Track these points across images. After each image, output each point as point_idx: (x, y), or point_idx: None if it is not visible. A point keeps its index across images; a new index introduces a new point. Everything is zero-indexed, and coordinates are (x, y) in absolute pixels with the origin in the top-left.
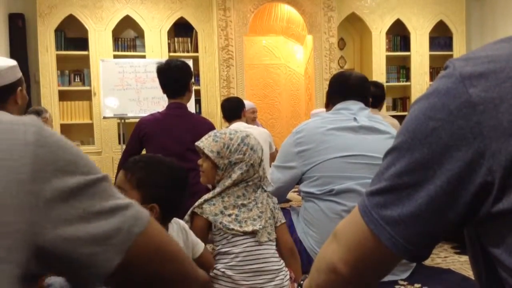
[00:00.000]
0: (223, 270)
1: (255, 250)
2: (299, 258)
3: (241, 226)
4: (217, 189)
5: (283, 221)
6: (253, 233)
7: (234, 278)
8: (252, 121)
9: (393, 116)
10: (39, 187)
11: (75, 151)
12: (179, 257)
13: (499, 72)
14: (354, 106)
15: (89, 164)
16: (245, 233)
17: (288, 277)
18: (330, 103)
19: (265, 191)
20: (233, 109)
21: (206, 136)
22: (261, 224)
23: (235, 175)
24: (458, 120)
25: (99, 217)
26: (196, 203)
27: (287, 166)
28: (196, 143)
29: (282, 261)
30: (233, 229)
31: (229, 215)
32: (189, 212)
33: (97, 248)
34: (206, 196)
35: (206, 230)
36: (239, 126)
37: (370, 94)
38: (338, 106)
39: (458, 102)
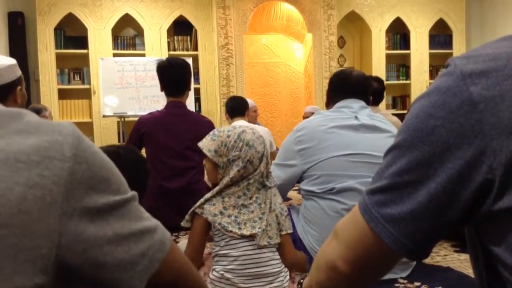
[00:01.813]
0: (222, 272)
1: (254, 254)
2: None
3: (240, 228)
4: (217, 188)
5: (289, 231)
6: (252, 237)
7: (233, 281)
8: (254, 119)
9: (393, 115)
10: (71, 207)
11: (109, 167)
12: (194, 276)
13: (500, 70)
14: (355, 104)
15: (119, 182)
16: (243, 237)
17: (287, 277)
18: (330, 101)
19: (269, 187)
20: (237, 106)
21: (207, 135)
22: (260, 226)
23: (232, 172)
24: (459, 118)
25: (128, 240)
26: (197, 203)
27: (288, 164)
28: (198, 143)
29: (282, 263)
30: (231, 231)
31: (229, 216)
32: (190, 211)
33: (123, 275)
34: (206, 196)
35: (206, 230)
36: (240, 124)
37: (371, 92)
38: (339, 104)
39: (459, 100)
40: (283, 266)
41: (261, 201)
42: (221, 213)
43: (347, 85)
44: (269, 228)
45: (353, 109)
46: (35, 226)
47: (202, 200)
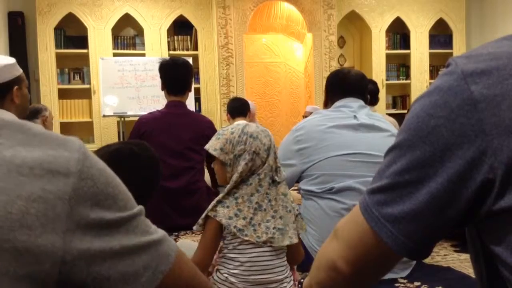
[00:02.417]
0: (226, 275)
1: (262, 261)
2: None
3: (255, 230)
4: (228, 186)
5: (301, 231)
6: (268, 242)
7: (237, 286)
8: (252, 120)
9: (393, 114)
10: (75, 223)
11: (115, 183)
12: (202, 285)
13: (501, 69)
14: (354, 103)
15: (126, 198)
16: (258, 242)
17: (291, 283)
18: (329, 101)
19: (279, 182)
20: (239, 107)
21: (213, 136)
22: (275, 226)
23: (240, 167)
24: (459, 117)
25: (133, 253)
26: (210, 206)
27: (287, 164)
28: (205, 146)
29: (287, 268)
30: (246, 235)
31: (244, 218)
32: (203, 216)
33: (126, 287)
34: (218, 197)
35: (219, 234)
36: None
37: (368, 92)
38: (338, 103)
39: (460, 100)
40: (288, 272)
41: (271, 198)
42: (236, 215)
43: (345, 84)
44: (288, 228)
45: (352, 109)
46: (37, 242)
47: (214, 202)
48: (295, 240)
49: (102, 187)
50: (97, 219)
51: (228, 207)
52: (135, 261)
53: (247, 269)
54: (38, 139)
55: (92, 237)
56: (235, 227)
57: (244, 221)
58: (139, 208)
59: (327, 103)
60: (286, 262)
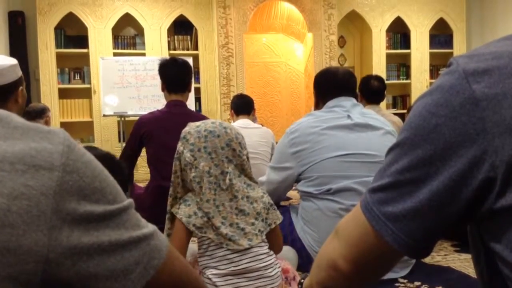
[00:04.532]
0: (208, 275)
1: (237, 256)
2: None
3: (214, 229)
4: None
5: (277, 221)
6: (225, 242)
7: (218, 281)
8: (252, 119)
9: (393, 114)
10: (61, 220)
11: (103, 176)
12: (196, 283)
13: (502, 68)
14: (346, 102)
15: (114, 191)
16: (220, 243)
17: (278, 269)
18: (320, 101)
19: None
20: (243, 105)
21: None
22: (235, 223)
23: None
24: (461, 116)
25: (123, 248)
26: (178, 203)
27: (283, 167)
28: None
29: (270, 255)
30: (205, 232)
31: (201, 216)
32: (168, 214)
33: (114, 284)
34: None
35: (184, 235)
36: (244, 122)
37: (356, 89)
38: (330, 103)
39: (461, 98)
40: (272, 258)
41: (233, 197)
42: (195, 213)
43: (336, 83)
44: (248, 229)
45: (345, 108)
46: (20, 241)
47: (181, 200)
48: (255, 241)
49: (88, 180)
50: (85, 214)
51: (189, 205)
52: (124, 257)
53: (226, 263)
54: (20, 132)
55: (80, 233)
56: (194, 225)
57: (202, 219)
58: (129, 201)
59: (318, 104)
60: (267, 249)
